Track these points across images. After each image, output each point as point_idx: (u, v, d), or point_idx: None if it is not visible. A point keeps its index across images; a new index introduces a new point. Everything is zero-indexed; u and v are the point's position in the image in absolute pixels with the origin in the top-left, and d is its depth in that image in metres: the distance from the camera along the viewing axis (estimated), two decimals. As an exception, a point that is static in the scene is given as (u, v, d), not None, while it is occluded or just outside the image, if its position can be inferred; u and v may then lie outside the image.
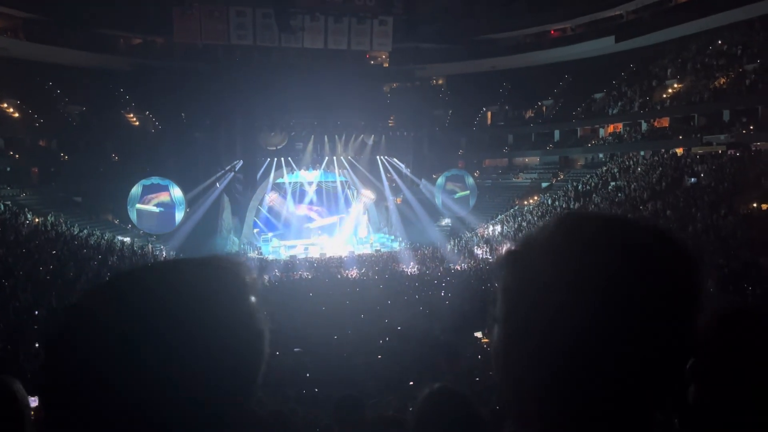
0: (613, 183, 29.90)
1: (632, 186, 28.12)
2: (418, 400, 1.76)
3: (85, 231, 25.10)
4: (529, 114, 39.86)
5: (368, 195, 36.12)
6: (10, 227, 20.15)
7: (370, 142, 36.37)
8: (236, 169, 33.33)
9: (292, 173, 35.56)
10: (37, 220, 23.66)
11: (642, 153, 31.31)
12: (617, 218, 0.65)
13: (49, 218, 24.49)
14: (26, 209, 24.44)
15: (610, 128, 35.67)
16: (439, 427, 1.61)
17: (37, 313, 11.15)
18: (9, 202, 24.42)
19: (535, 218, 29.22)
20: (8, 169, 29.95)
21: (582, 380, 0.59)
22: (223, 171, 32.84)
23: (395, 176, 36.63)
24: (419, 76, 40.34)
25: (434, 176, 36.31)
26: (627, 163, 31.32)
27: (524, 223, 29.22)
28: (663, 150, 30.01)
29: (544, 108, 39.09)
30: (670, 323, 0.59)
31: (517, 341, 0.64)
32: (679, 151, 29.17)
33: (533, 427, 0.65)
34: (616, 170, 31.10)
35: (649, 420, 0.63)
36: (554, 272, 0.61)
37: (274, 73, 34.10)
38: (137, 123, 35.36)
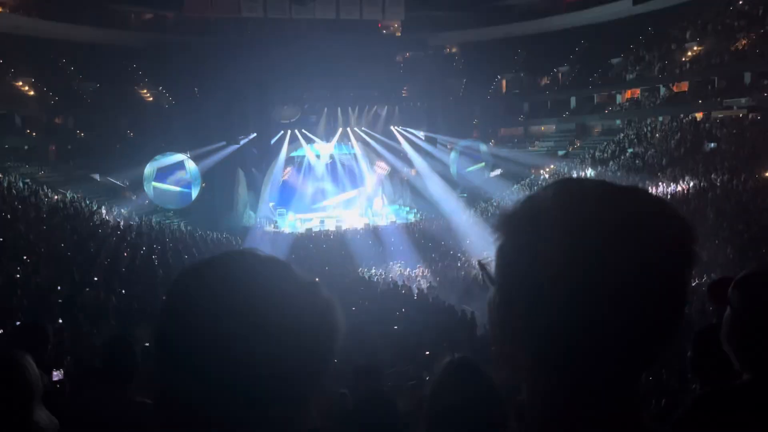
0: (630, 149, 29.50)
1: (650, 152, 27.74)
2: (435, 371, 1.77)
3: (104, 207, 25.38)
4: (545, 81, 39.26)
5: (382, 167, 36.03)
6: (31, 204, 20.42)
7: (384, 113, 36.14)
8: (241, 142, 33.23)
9: (307, 146, 35.54)
10: (56, 197, 23.94)
11: (660, 118, 30.79)
12: (619, 186, 0.65)
13: (68, 195, 24.77)
14: (45, 186, 24.73)
15: (628, 94, 35.06)
16: (454, 399, 1.62)
17: (60, 288, 11.34)
18: (28, 180, 24.72)
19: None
20: (26, 147, 30.25)
21: (574, 340, 0.60)
22: (229, 144, 32.73)
23: (410, 147, 36.45)
24: (432, 45, 39.80)
25: (448, 146, 36.08)
26: (645, 129, 30.84)
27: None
28: (682, 115, 29.48)
29: (560, 75, 38.42)
30: (664, 285, 0.60)
31: (512, 302, 0.64)
32: (699, 115, 28.65)
33: (529, 387, 0.66)
34: (633, 136, 30.66)
35: (637, 379, 0.65)
36: (551, 235, 0.61)
37: (285, 45, 33.84)
38: (151, 99, 35.41)
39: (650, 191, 0.65)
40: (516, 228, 0.65)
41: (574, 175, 29.18)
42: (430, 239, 26.07)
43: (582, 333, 0.59)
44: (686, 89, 31.56)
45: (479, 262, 0.74)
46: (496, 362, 0.70)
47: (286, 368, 0.65)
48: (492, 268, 0.69)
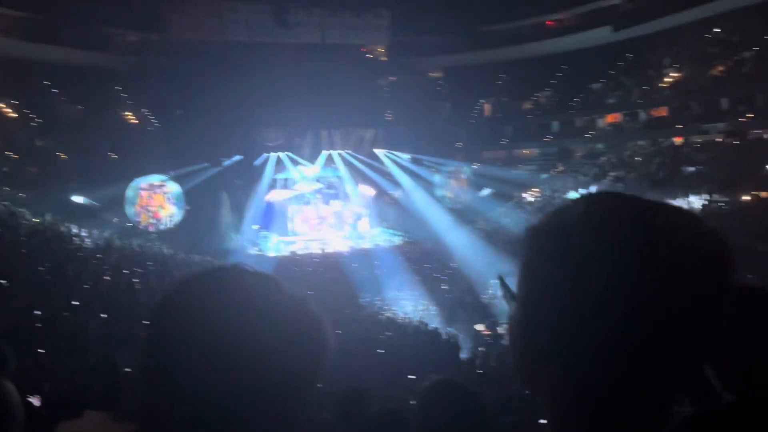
0: (612, 173, 29.89)
1: (632, 175, 28.11)
2: (420, 391, 1.76)
3: (84, 231, 25.06)
4: (528, 105, 39.80)
5: (367, 189, 36.10)
6: (9, 227, 20.12)
7: (368, 136, 36.32)
8: (225, 164, 33.24)
9: (290, 169, 35.53)
10: (35, 219, 23.61)
11: (641, 143, 31.27)
12: (653, 202, 0.61)
13: (47, 217, 24.44)
14: (24, 208, 24.39)
15: (609, 118, 35.63)
16: (442, 417, 1.60)
17: (39, 313, 11.12)
18: (7, 202, 24.37)
19: (534, 209, 29.22)
20: (5, 169, 29.89)
21: (600, 363, 0.57)
22: (212, 166, 32.72)
23: (394, 170, 36.61)
24: (417, 69, 40.23)
25: (432, 170, 36.33)
26: (626, 153, 31.29)
27: (523, 214, 29.21)
28: (662, 139, 29.98)
29: (542, 99, 39.01)
30: (703, 313, 0.57)
31: (535, 320, 0.62)
32: (678, 140, 29.14)
33: (548, 408, 0.63)
34: (615, 160, 31.08)
35: (664, 409, 0.61)
36: (584, 255, 0.58)
37: (270, 68, 34.00)
38: (134, 121, 35.27)
39: (686, 209, 0.62)
40: (545, 244, 0.62)
41: (556, 197, 29.49)
42: (415, 262, 26.06)
43: (610, 356, 0.56)
44: (665, 114, 32.14)
45: (500, 277, 0.72)
46: (517, 378, 0.68)
47: (275, 382, 0.65)
48: (512, 283, 0.66)
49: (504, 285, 0.69)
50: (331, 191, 36.43)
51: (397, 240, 33.51)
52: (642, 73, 33.79)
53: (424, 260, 25.95)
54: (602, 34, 34.20)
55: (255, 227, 34.02)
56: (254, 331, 0.65)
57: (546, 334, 0.60)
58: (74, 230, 24.21)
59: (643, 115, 33.02)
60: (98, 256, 20.41)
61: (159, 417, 0.66)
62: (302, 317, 0.71)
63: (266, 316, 0.66)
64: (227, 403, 0.63)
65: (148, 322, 0.69)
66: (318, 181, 36.34)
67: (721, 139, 26.64)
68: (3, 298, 11.33)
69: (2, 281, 12.30)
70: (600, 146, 34.66)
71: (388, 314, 16.16)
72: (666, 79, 32.58)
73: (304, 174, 36.04)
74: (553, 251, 0.61)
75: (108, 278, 17.17)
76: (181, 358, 0.64)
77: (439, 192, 35.69)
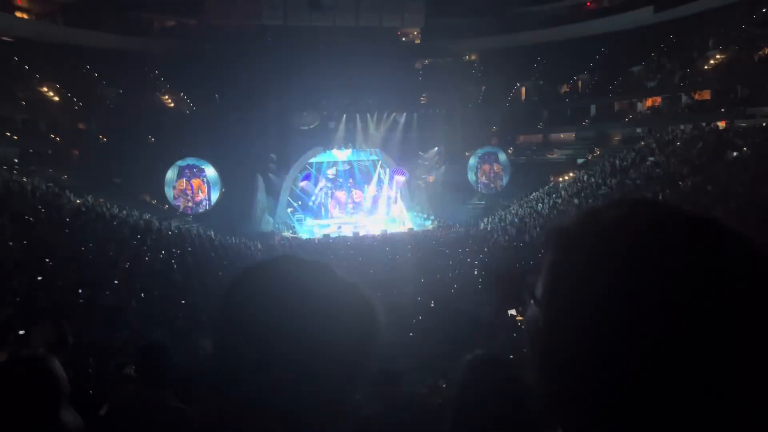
0: (651, 158, 29.21)
1: (671, 161, 27.43)
2: (460, 365, 1.77)
3: (124, 211, 25.68)
4: (565, 89, 39.06)
5: (400, 174, 36.07)
6: (53, 207, 20.72)
7: (402, 120, 36.20)
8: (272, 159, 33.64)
9: (325, 152, 35.69)
10: (78, 201, 24.28)
11: (681, 127, 30.46)
12: (699, 215, 0.57)
13: (89, 199, 25.11)
14: (67, 190, 25.10)
15: (649, 102, 34.76)
16: (482, 392, 1.61)
17: (80, 290, 11.49)
18: (51, 183, 25.10)
19: (570, 195, 28.79)
20: (50, 151, 30.74)
21: (628, 380, 0.53)
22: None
23: (428, 155, 36.50)
24: (452, 52, 39.80)
25: (467, 154, 36.05)
26: (666, 137, 30.51)
27: (559, 200, 28.81)
28: (704, 123, 29.14)
29: (579, 82, 38.23)
30: (737, 336, 0.51)
31: (558, 326, 0.58)
32: (721, 124, 28.28)
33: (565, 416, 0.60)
34: (654, 145, 30.34)
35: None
36: (617, 260, 0.54)
37: (305, 52, 34.09)
38: (172, 105, 35.83)
39: (736, 229, 0.57)
40: (576, 246, 0.59)
41: (592, 182, 28.99)
42: (447, 246, 25.99)
43: (638, 372, 0.52)
44: (708, 98, 31.20)
45: (522, 278, 0.71)
46: (535, 380, 0.64)
47: (331, 361, 0.70)
48: (537, 284, 0.63)
49: (526, 286, 0.66)
50: (363, 175, 36.52)
51: (430, 224, 33.47)
52: (684, 56, 32.80)
53: (457, 245, 25.85)
54: (643, 16, 33.28)
55: (289, 210, 34.38)
56: (312, 315, 0.70)
57: (570, 342, 0.56)
58: (115, 211, 24.82)
59: (684, 99, 32.11)
60: (138, 237, 20.91)
61: (227, 396, 0.72)
62: (355, 302, 0.76)
63: (322, 301, 0.72)
64: (289, 382, 0.69)
65: (216, 310, 0.76)
66: (352, 165, 36.45)
67: (766, 124, 25.76)
68: (48, 276, 11.72)
69: (47, 260, 12.73)
70: (639, 130, 33.87)
71: (419, 298, 16.18)
72: (710, 62, 31.57)
73: (338, 157, 36.17)
74: (584, 256, 0.57)
75: (147, 259, 17.60)
76: (247, 342, 0.70)
77: (472, 177, 35.45)
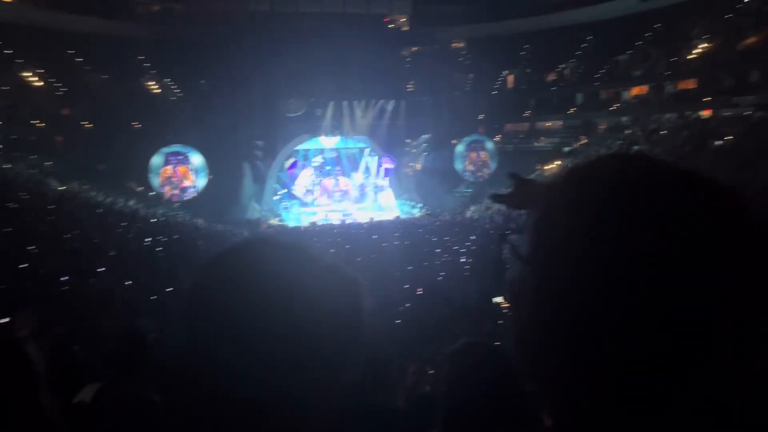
0: (636, 147, 29.40)
1: (656, 149, 27.63)
2: (449, 352, 1.77)
3: (109, 198, 25.46)
4: (551, 77, 39.14)
5: (387, 161, 36.03)
6: (37, 195, 20.50)
7: (390, 107, 36.11)
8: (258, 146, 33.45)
9: (312, 139, 35.54)
10: (62, 187, 24.03)
11: (667, 116, 30.66)
12: (698, 174, 0.55)
13: (74, 186, 24.86)
14: (51, 177, 24.82)
15: (635, 91, 34.93)
16: (473, 378, 1.62)
17: (64, 279, 11.40)
18: (35, 170, 24.81)
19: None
20: (33, 137, 30.34)
21: (620, 341, 0.50)
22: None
23: (415, 142, 36.47)
24: (439, 40, 39.67)
25: (454, 141, 36.06)
26: (651, 126, 30.71)
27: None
28: (689, 112, 29.35)
29: (566, 71, 38.31)
30: (741, 303, 0.50)
31: (549, 281, 0.55)
32: (706, 113, 28.51)
33: (549, 389, 0.58)
34: (639, 133, 30.54)
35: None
36: (607, 209, 0.52)
37: (292, 38, 33.81)
38: (158, 90, 35.45)
39: (735, 187, 0.56)
40: (567, 202, 0.56)
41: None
42: (434, 234, 26.06)
43: (633, 333, 0.50)
44: (693, 87, 31.41)
45: (504, 235, 0.69)
46: (515, 349, 0.63)
47: (313, 347, 0.67)
48: (522, 243, 0.60)
49: (507, 242, 0.63)
50: (351, 162, 36.44)
51: (417, 212, 33.52)
52: (670, 44, 32.95)
53: (444, 233, 25.93)
54: (629, 4, 33.32)
55: (276, 197, 34.25)
56: (290, 297, 0.66)
57: (560, 297, 0.54)
58: (100, 198, 24.60)
59: (670, 88, 32.30)
60: (123, 224, 20.75)
61: (195, 386, 0.68)
62: (336, 281, 0.72)
63: (300, 283, 0.68)
64: (267, 371, 0.64)
65: (186, 295, 0.72)
66: (339, 152, 36.34)
67: (751, 112, 26.01)
68: (32, 264, 11.61)
69: (31, 247, 12.60)
70: (625, 119, 34.05)
71: (406, 285, 16.23)
72: (695, 51, 31.74)
73: (325, 145, 36.04)
74: (577, 204, 0.55)
75: (132, 246, 17.48)
76: (219, 329, 0.66)
77: (459, 165, 35.50)
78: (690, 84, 31.72)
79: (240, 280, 0.68)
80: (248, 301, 0.66)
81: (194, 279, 0.72)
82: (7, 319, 7.28)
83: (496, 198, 0.74)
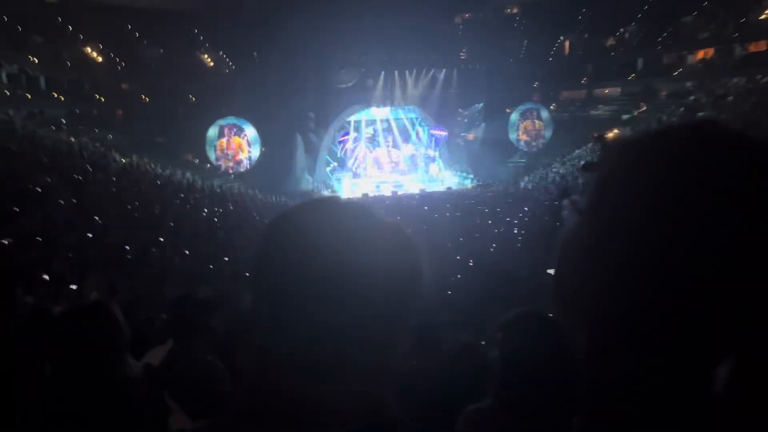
0: (701, 113, 28.13)
1: (722, 116, 26.38)
2: (504, 322, 1.75)
3: (168, 170, 26.19)
4: (611, 42, 37.66)
5: (439, 131, 35.70)
6: (100, 167, 21.26)
7: (441, 76, 35.61)
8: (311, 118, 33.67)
9: (364, 110, 35.50)
10: (123, 160, 24.84)
11: (735, 80, 29.14)
12: (758, 138, 0.53)
13: (134, 158, 25.66)
14: (113, 150, 25.67)
15: (700, 54, 33.28)
16: (529, 349, 1.60)
17: (128, 248, 11.84)
18: (98, 143, 25.71)
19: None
20: (95, 111, 31.41)
21: (667, 298, 0.51)
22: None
23: (468, 112, 35.93)
24: (492, 5, 38.67)
25: (508, 110, 35.35)
26: (717, 91, 29.28)
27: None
28: (759, 76, 27.81)
29: (626, 34, 36.77)
30: None
31: (606, 236, 0.55)
32: (778, 77, 26.98)
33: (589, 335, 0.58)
34: (704, 99, 29.18)
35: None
36: (687, 179, 0.51)
37: (343, 9, 33.61)
38: (212, 64, 36.01)
39: None
40: (640, 161, 0.55)
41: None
42: (486, 205, 25.80)
43: (679, 292, 0.50)
44: (764, 49, 29.69)
45: (566, 191, 0.66)
46: (559, 312, 0.64)
47: (376, 303, 0.67)
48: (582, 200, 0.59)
49: (568, 198, 0.64)
50: (402, 133, 36.27)
51: (469, 183, 33.20)
52: (738, 4, 31.12)
53: (497, 204, 25.62)
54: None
55: (328, 169, 34.53)
56: (353, 255, 0.67)
57: (616, 254, 0.53)
58: (159, 171, 25.33)
59: (738, 50, 30.62)
60: (181, 196, 21.34)
61: (268, 342, 0.70)
62: (398, 241, 0.73)
63: (363, 241, 0.69)
64: (330, 329, 0.66)
65: (255, 251, 0.74)
66: (390, 123, 36.20)
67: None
68: (97, 234, 12.10)
69: (96, 218, 13.12)
70: (689, 84, 32.56)
71: (458, 257, 16.17)
72: (766, 11, 29.89)
73: (376, 116, 35.95)
74: (647, 173, 0.54)
75: (190, 218, 17.99)
76: (286, 285, 0.68)
77: (513, 135, 34.83)
78: (760, 46, 29.98)
79: (307, 237, 0.69)
80: (314, 258, 0.67)
81: (263, 235, 0.74)
82: (75, 286, 7.64)
83: (586, 167, 0.69)
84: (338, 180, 34.05)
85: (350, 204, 0.75)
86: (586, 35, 37.87)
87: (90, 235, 11.68)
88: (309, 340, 0.66)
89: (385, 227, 0.73)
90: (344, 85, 35.14)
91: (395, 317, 0.70)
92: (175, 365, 2.48)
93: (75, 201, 14.16)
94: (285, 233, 0.72)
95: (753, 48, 30.23)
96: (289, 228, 0.73)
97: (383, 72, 35.02)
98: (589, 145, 31.34)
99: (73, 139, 23.76)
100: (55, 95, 28.78)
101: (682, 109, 29.58)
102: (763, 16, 29.89)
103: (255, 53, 34.05)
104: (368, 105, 35.34)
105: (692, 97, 30.37)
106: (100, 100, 31.60)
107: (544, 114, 35.06)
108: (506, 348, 1.65)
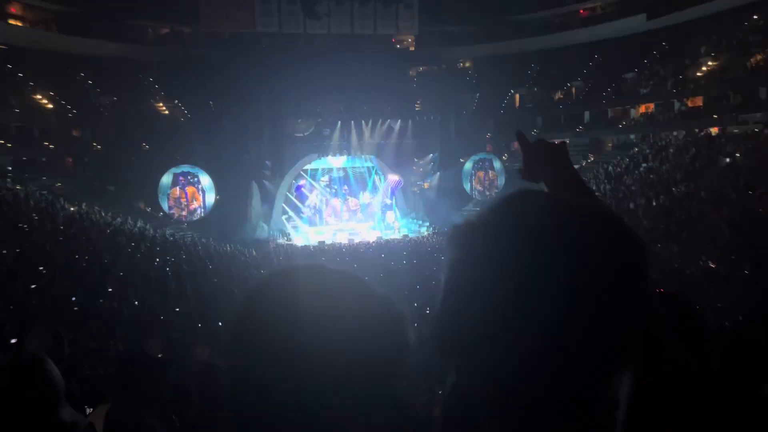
0: (644, 164, 29.34)
1: (665, 167, 27.56)
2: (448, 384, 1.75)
3: (119, 219, 25.61)
4: (558, 96, 39.25)
5: (395, 180, 36.11)
6: (47, 215, 20.65)
7: (397, 127, 36.29)
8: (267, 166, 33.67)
9: (320, 159, 35.68)
10: (72, 208, 24.20)
11: (675, 133, 30.63)
12: (563, 200, 0.63)
13: (83, 206, 25.03)
14: (61, 198, 25.01)
15: (642, 108, 34.96)
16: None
17: (74, 298, 11.44)
18: (45, 191, 25.02)
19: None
20: (43, 159, 30.65)
21: (511, 358, 0.57)
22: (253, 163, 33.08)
23: (423, 161, 36.57)
24: (446, 59, 39.97)
25: (462, 160, 36.13)
26: (659, 143, 30.68)
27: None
28: (697, 130, 29.31)
29: (573, 89, 38.43)
30: (615, 314, 0.56)
31: (455, 316, 0.62)
32: (714, 130, 28.46)
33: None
34: (647, 151, 30.50)
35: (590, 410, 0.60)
36: (492, 249, 0.59)
37: (300, 59, 34.16)
38: (167, 112, 35.82)
39: (603, 208, 0.63)
40: (464, 241, 0.64)
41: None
42: (442, 253, 26.01)
43: (518, 350, 0.56)
44: (701, 104, 31.39)
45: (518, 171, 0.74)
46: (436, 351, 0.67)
47: (359, 376, 0.65)
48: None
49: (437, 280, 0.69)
50: (358, 182, 36.52)
51: (425, 231, 33.49)
52: (677, 62, 33.02)
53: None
54: (636, 23, 33.50)
55: (284, 217, 34.33)
56: (339, 326, 0.65)
57: (457, 327, 0.62)
58: (109, 219, 24.74)
59: (677, 105, 32.31)
60: (132, 244, 20.84)
61: (242, 413, 0.66)
62: (386, 314, 0.70)
63: (351, 312, 0.67)
64: (313, 397, 0.63)
65: (232, 320, 0.70)
66: (346, 172, 36.45)
67: (758, 130, 25.95)
68: (42, 284, 11.67)
69: (41, 267, 12.67)
70: (632, 137, 34.04)
71: (415, 304, 16.19)
72: (702, 68, 31.77)
73: (332, 164, 36.18)
74: (467, 249, 0.62)
75: (141, 267, 17.53)
76: (268, 355, 0.64)
77: (467, 184, 35.52)
78: (697, 101, 31.70)
79: (291, 308, 0.66)
80: (299, 330, 0.64)
81: (244, 301, 0.70)
82: (15, 340, 7.29)
83: (519, 173, 0.81)
84: (294, 228, 33.85)
85: (338, 273, 0.72)
86: (535, 89, 39.40)
87: (33, 286, 11.25)
88: (289, 413, 0.64)
89: (374, 298, 0.71)
90: (301, 134, 35.38)
91: (379, 391, 0.68)
92: (111, 427, 2.37)
93: (19, 250, 13.67)
94: (269, 301, 0.69)
95: (690, 103, 31.94)
96: (272, 295, 0.69)
97: (339, 121, 35.47)
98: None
99: (18, 187, 23.06)
100: (2, 142, 28.00)
101: (626, 159, 30.81)
102: (699, 74, 31.72)
103: (210, 102, 34.08)
104: (325, 154, 35.57)
105: (636, 149, 31.70)
106: (49, 147, 30.89)
107: (497, 164, 35.94)
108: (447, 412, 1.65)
